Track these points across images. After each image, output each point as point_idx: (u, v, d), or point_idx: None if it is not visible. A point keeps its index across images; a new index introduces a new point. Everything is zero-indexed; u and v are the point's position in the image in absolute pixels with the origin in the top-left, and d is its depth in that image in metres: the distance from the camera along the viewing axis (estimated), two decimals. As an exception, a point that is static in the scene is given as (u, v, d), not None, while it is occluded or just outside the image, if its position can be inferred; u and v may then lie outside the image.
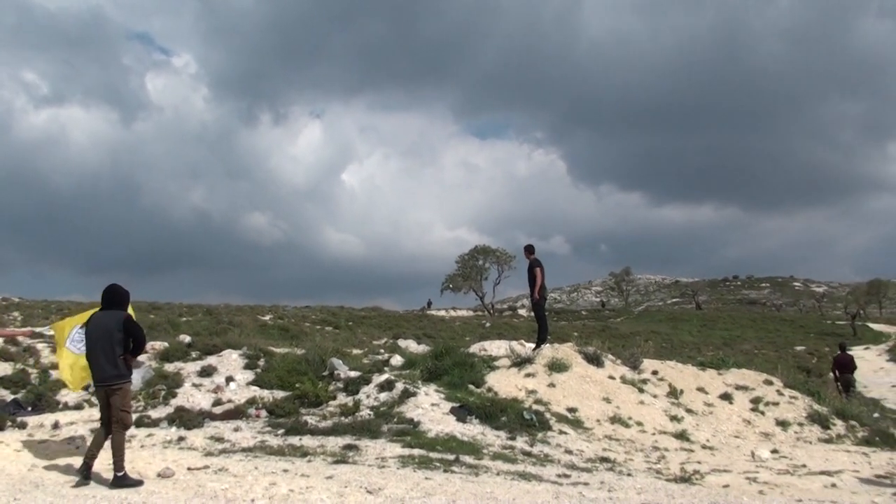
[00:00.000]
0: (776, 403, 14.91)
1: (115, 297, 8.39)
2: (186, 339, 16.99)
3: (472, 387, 13.56)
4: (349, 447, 10.15)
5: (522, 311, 75.13)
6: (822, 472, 10.50)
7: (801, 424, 14.23)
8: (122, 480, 7.81)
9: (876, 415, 16.63)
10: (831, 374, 22.52)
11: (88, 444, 8.03)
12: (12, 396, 12.75)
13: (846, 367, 21.36)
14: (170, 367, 14.27)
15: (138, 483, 7.88)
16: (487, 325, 46.91)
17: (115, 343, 8.06)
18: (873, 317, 77.53)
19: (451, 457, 9.76)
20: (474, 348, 17.93)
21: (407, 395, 12.48)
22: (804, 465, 11.04)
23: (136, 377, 13.10)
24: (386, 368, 14.64)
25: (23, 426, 11.35)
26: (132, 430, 10.94)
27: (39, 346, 16.02)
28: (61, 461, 8.81)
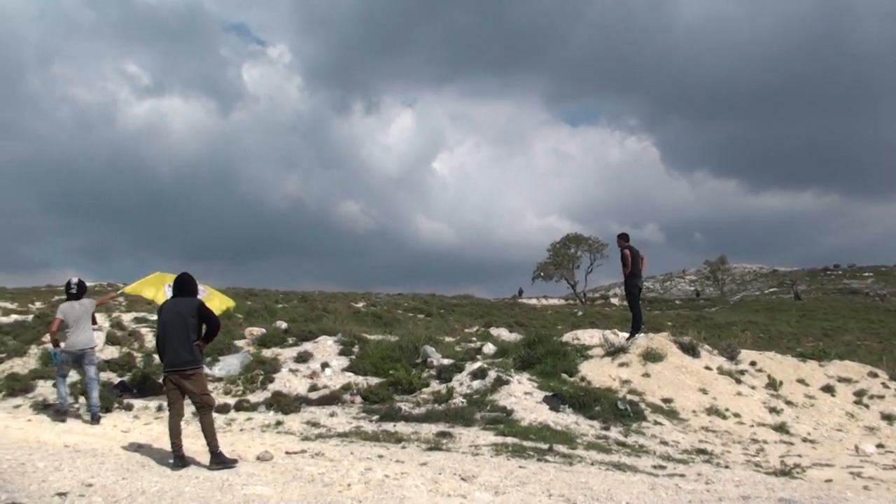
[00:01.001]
0: (881, 397, 14.41)
1: (186, 285, 8.57)
2: (283, 325, 17.33)
3: (564, 376, 13.50)
4: (443, 434, 10.22)
5: (614, 300, 74.31)
6: (932, 469, 10.11)
7: (908, 419, 13.72)
8: (219, 459, 7.99)
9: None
10: None
11: (168, 433, 8.18)
12: (119, 379, 13.21)
13: None
14: (267, 353, 14.59)
15: (234, 461, 8.07)
16: (579, 313, 46.53)
17: (189, 329, 8.20)
18: (984, 307, 74.17)
19: (545, 446, 9.73)
20: (567, 337, 17.83)
21: (500, 383, 12.48)
22: (912, 461, 10.66)
23: (235, 362, 13.49)
24: (478, 356, 14.67)
25: (129, 408, 11.78)
26: (232, 414, 11.27)
27: (143, 330, 16.55)
28: (165, 444, 9.06)
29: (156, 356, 14.39)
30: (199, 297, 8.92)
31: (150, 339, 16.13)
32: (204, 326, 8.35)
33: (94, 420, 10.86)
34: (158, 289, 12.37)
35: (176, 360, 8.16)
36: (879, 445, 11.69)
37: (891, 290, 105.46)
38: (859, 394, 14.42)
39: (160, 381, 13.14)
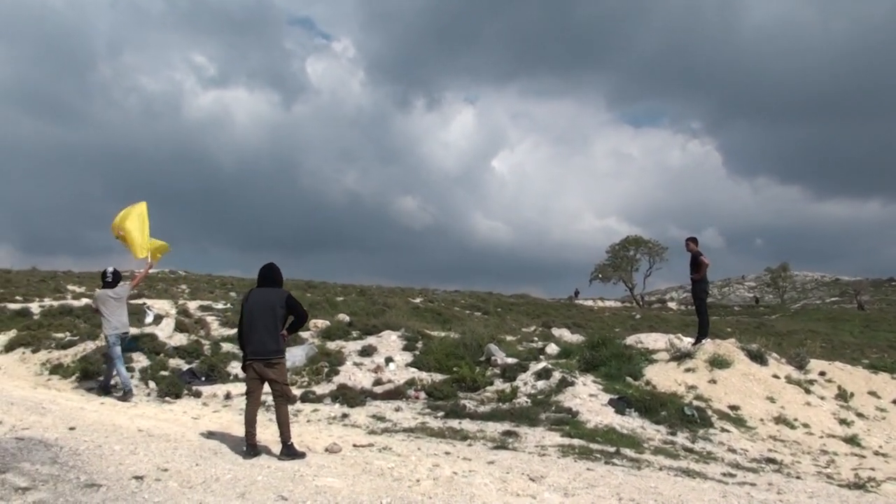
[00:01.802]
0: (956, 412, 14.03)
1: (273, 275, 8.62)
2: (346, 318, 17.45)
3: (629, 379, 13.39)
4: (508, 433, 10.19)
5: (672, 304, 73.62)
6: None
7: (983, 435, 13.34)
8: (290, 450, 8.06)
9: None
10: None
11: (244, 421, 8.28)
12: (187, 366, 13.42)
13: None
14: (332, 345, 14.71)
15: (303, 453, 8.13)
16: (637, 316, 46.17)
17: (277, 319, 8.27)
18: None
19: (612, 449, 9.65)
20: (630, 340, 17.67)
21: (564, 384, 12.42)
22: None
23: (300, 354, 13.61)
24: (541, 357, 14.62)
25: (197, 395, 11.96)
26: (298, 405, 11.37)
27: (209, 318, 16.80)
28: (235, 431, 9.19)
29: (224, 344, 14.68)
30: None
31: (215, 328, 16.39)
32: (290, 317, 8.43)
33: (127, 396, 11.52)
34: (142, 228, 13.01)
35: (262, 349, 8.23)
36: (955, 462, 11.37)
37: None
38: (933, 408, 14.05)
39: (227, 369, 13.44)
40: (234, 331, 15.71)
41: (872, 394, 14.40)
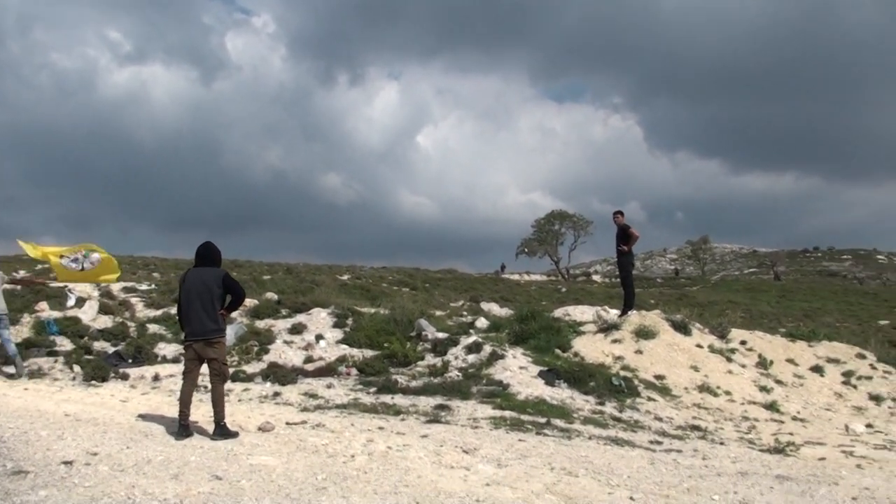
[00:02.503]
0: (869, 378, 14.59)
1: (210, 254, 8.51)
2: (274, 297, 17.31)
3: (558, 351, 13.60)
4: (441, 407, 10.28)
5: (597, 277, 74.70)
6: (922, 449, 10.25)
7: (895, 400, 13.91)
8: (223, 430, 8.01)
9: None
10: None
11: (179, 402, 8.21)
12: (113, 349, 13.19)
13: None
14: (261, 324, 14.60)
15: (236, 433, 8.09)
16: (563, 290, 46.72)
17: (214, 298, 8.19)
18: (961, 292, 74.93)
19: (543, 420, 9.81)
20: (558, 313, 17.91)
21: (495, 357, 12.56)
22: (901, 441, 10.80)
23: (230, 333, 13.46)
24: (471, 330, 14.73)
25: (125, 378, 11.78)
26: (229, 385, 11.23)
27: (134, 299, 16.51)
28: (165, 412, 9.08)
29: (150, 326, 14.47)
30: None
31: (140, 310, 16.11)
32: (228, 296, 8.35)
33: (19, 374, 11.73)
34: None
35: (201, 329, 8.14)
36: (868, 425, 11.83)
37: (869, 273, 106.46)
38: (847, 374, 14.59)
39: (155, 350, 13.25)
40: (160, 312, 15.53)
41: (790, 361, 14.88)
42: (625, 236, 15.42)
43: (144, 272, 30.16)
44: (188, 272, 8.55)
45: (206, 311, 8.15)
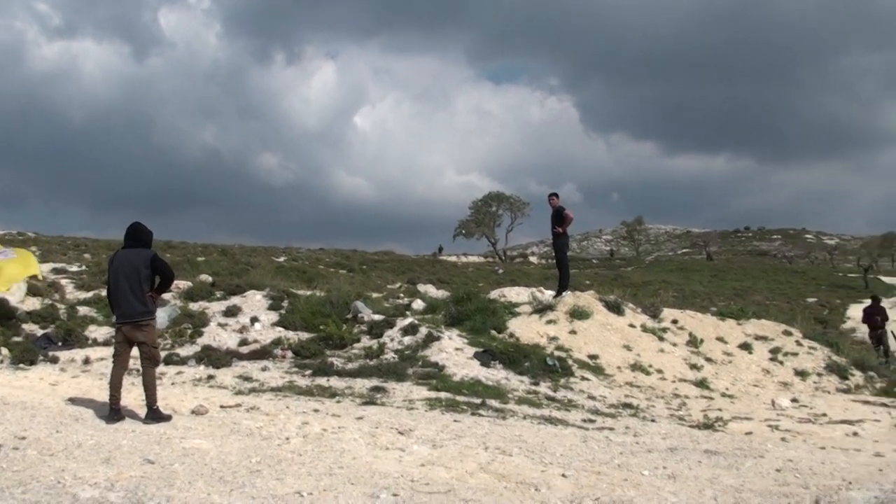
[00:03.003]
0: (795, 354, 15.01)
1: (138, 235, 8.35)
2: (209, 278, 17.11)
3: (494, 332, 13.69)
4: (376, 389, 10.30)
5: (533, 259, 75.32)
6: (843, 422, 10.59)
7: (819, 375, 14.33)
8: (156, 413, 7.93)
9: (893, 367, 16.69)
10: (866, 328, 21.88)
11: (109, 385, 8.09)
12: (42, 332, 12.92)
13: (877, 319, 20.90)
14: (195, 307, 14.42)
15: (169, 417, 8.01)
16: (500, 271, 47.05)
17: (142, 280, 8.05)
18: (885, 270, 77.22)
19: (478, 400, 9.89)
20: (494, 294, 18.01)
21: (431, 339, 12.61)
22: (825, 415, 11.14)
23: (163, 315, 13.30)
24: (408, 312, 14.74)
25: (54, 360, 11.55)
26: (161, 368, 11.09)
27: (64, 281, 16.18)
28: (96, 396, 8.94)
29: (80, 308, 14.19)
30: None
31: (71, 291, 15.79)
32: (157, 278, 8.22)
33: None
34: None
35: (130, 311, 8.02)
36: (794, 400, 12.18)
37: (798, 252, 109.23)
38: (774, 351, 14.98)
39: (85, 333, 13.02)
40: (92, 294, 15.22)
41: (720, 339, 15.22)
42: (560, 218, 15.57)
43: (75, 253, 29.50)
44: (116, 253, 8.42)
45: (133, 292, 8.02)
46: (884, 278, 62.37)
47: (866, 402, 12.61)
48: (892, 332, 20.46)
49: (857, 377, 14.55)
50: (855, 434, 9.80)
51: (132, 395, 8.63)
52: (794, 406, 11.78)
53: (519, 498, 5.82)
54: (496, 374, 11.54)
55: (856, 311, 34.73)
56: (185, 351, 12.33)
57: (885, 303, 23.90)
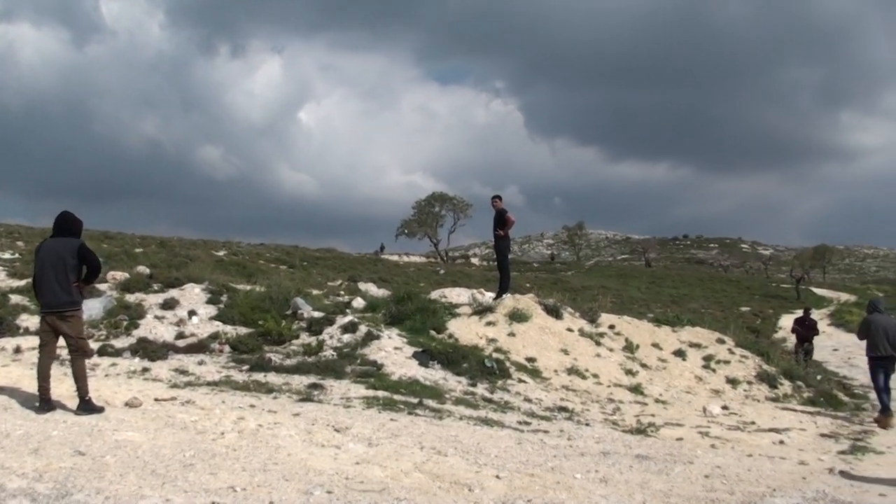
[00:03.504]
0: (727, 362, 15.32)
1: (67, 225, 8.20)
2: (146, 270, 16.87)
3: (433, 332, 13.74)
4: (314, 386, 10.27)
5: (475, 260, 75.61)
6: (771, 430, 10.87)
7: (750, 383, 14.65)
8: (88, 405, 7.80)
9: (819, 377, 17.12)
10: (794, 338, 21.61)
11: (37, 376, 7.94)
12: (-29, 320, 12.62)
13: (807, 331, 20.74)
14: (131, 298, 14.19)
15: (101, 408, 7.89)
16: (441, 271, 47.14)
17: (68, 269, 7.90)
18: (817, 281, 79.13)
19: (415, 400, 9.93)
20: (434, 295, 18.07)
21: (370, 337, 12.61)
22: (753, 422, 11.41)
23: (98, 306, 13.10)
24: (348, 310, 14.70)
25: (-17, 350, 11.29)
26: (95, 359, 10.95)
27: (-5, 269, 15.83)
28: (26, 386, 8.76)
29: (12, 296, 13.90)
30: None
31: (2, 279, 15.48)
32: (84, 268, 8.08)
33: None
34: None
35: (54, 301, 7.86)
36: (724, 407, 12.44)
37: (734, 261, 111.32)
38: (707, 358, 15.28)
39: (17, 322, 12.75)
40: (24, 282, 14.91)
41: (656, 345, 15.48)
42: (502, 221, 15.69)
43: (7, 240, 28.88)
44: (44, 242, 8.27)
45: (59, 282, 7.87)
46: (815, 290, 63.87)
47: (794, 411, 12.93)
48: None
49: (786, 386, 14.92)
50: (781, 442, 10.06)
51: (65, 386, 8.47)
52: (725, 413, 12.04)
53: (452, 498, 5.88)
54: (434, 375, 11.58)
55: (787, 322, 35.52)
56: (120, 343, 12.14)
57: (815, 315, 24.44)
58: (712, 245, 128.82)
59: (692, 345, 15.88)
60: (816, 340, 21.51)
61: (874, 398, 13.35)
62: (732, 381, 14.53)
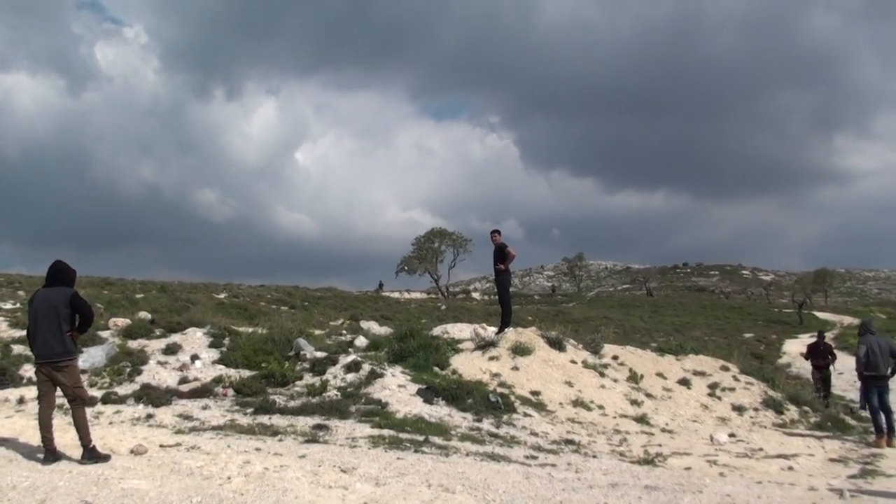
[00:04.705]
0: (732, 389, 15.30)
1: (60, 274, 8.20)
2: (148, 315, 16.88)
3: (437, 369, 13.73)
4: (319, 427, 10.22)
5: (476, 295, 75.52)
6: (779, 456, 10.83)
7: (756, 409, 14.62)
8: (92, 453, 7.77)
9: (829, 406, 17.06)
10: (810, 365, 19.72)
11: (39, 427, 7.91)
12: (-25, 371, 12.59)
13: (823, 358, 18.90)
14: (133, 344, 14.19)
15: (107, 456, 7.86)
16: (443, 307, 47.06)
17: (61, 319, 7.89)
18: (819, 305, 78.94)
19: (421, 437, 9.89)
20: (437, 331, 18.05)
21: (374, 376, 12.59)
22: (761, 449, 11.37)
23: (101, 354, 13.09)
24: (351, 349, 14.70)
25: (-13, 401, 11.26)
26: (99, 407, 10.94)
27: (-2, 320, 15.83)
28: (31, 437, 8.74)
29: (15, 346, 13.88)
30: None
31: (4, 329, 15.48)
32: (77, 317, 8.07)
33: None
34: None
35: (48, 352, 7.86)
36: (731, 435, 12.40)
37: (735, 287, 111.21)
38: (713, 386, 15.25)
39: (20, 372, 12.72)
40: (26, 332, 14.90)
41: (660, 375, 15.45)
42: (502, 255, 15.72)
43: (9, 290, 28.86)
44: (37, 292, 8.28)
45: (52, 332, 7.86)
46: (817, 314, 63.79)
47: (801, 437, 12.90)
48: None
49: (793, 412, 14.89)
50: (790, 468, 10.02)
51: (69, 436, 8.43)
52: (732, 441, 11.99)
53: (462, 535, 5.85)
54: (439, 411, 11.55)
55: (791, 347, 35.46)
56: (123, 389, 12.11)
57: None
58: (713, 272, 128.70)
59: (696, 373, 15.86)
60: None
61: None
62: (738, 409, 14.50)
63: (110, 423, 10.23)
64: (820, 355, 18.97)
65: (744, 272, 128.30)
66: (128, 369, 12.97)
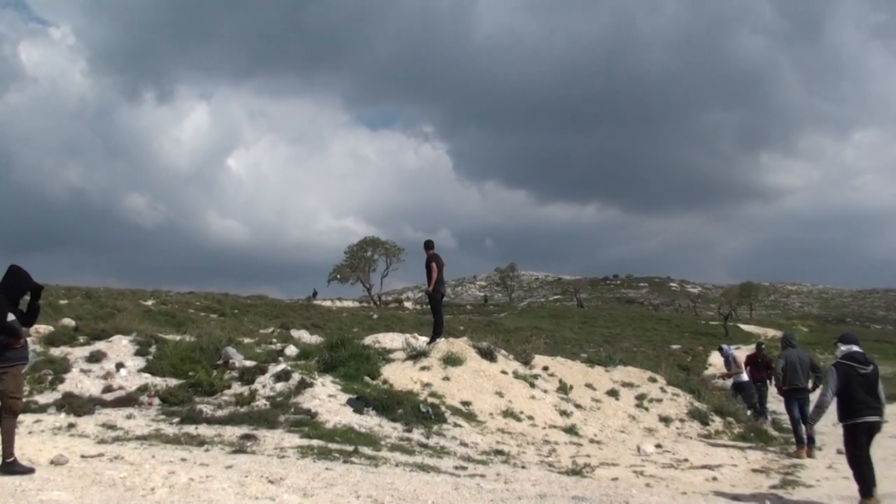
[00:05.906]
0: (659, 400, 15.53)
1: (9, 278, 8.04)
2: (71, 322, 16.48)
3: (368, 379, 13.66)
4: (247, 437, 10.09)
5: (408, 304, 75.45)
6: (704, 466, 11.03)
7: (682, 420, 14.86)
8: (11, 466, 7.55)
9: (749, 412, 17.40)
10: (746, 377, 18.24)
11: None
12: None
13: (761, 371, 17.93)
14: (56, 352, 13.82)
15: (29, 470, 7.64)
16: (375, 316, 46.91)
17: None
18: (744, 318, 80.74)
19: (350, 448, 9.83)
20: (368, 340, 17.98)
21: (303, 385, 12.47)
22: (686, 460, 11.57)
23: (21, 361, 12.68)
24: (281, 358, 14.54)
25: None
26: (19, 416, 10.60)
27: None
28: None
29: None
30: None
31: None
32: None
33: None
34: None
35: None
36: (658, 446, 12.59)
37: (663, 300, 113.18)
38: (640, 397, 15.47)
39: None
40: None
41: (589, 386, 15.61)
42: (428, 271, 15.73)
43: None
44: None
45: None
46: (742, 326, 65.25)
47: (725, 447, 13.16)
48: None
49: (717, 423, 15.17)
50: (714, 479, 10.22)
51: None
52: (659, 452, 12.18)
53: (390, 547, 5.82)
54: (369, 421, 11.49)
55: (716, 359, 36.14)
56: (44, 398, 11.80)
57: (743, 350, 24.70)
58: (642, 284, 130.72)
59: (625, 384, 16.06)
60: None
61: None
62: (665, 420, 14.72)
63: (30, 432, 9.95)
64: (756, 368, 18.06)
65: (672, 285, 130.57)
66: (49, 377, 12.63)
